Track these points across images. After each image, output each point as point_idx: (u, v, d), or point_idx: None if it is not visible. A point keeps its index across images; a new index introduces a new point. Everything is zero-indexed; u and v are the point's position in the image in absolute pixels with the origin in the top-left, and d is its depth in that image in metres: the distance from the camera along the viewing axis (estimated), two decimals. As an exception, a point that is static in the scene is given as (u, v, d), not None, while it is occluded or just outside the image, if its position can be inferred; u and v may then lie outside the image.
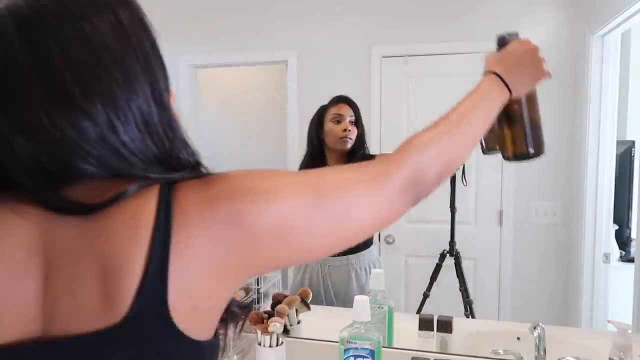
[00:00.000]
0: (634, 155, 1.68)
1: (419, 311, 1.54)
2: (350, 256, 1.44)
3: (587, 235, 1.62)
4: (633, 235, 1.69)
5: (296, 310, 1.21)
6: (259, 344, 1.09)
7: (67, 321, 0.39)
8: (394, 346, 1.16)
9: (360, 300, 0.96)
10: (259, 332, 1.09)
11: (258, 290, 1.21)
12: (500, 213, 1.75)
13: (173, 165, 0.44)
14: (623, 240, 1.71)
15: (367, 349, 0.95)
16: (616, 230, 1.69)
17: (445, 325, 1.18)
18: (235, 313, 0.49)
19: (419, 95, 1.79)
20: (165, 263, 0.39)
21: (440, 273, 1.50)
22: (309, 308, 1.22)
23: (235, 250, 0.42)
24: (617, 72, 1.61)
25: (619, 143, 1.63)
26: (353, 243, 0.52)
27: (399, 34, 1.82)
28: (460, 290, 1.51)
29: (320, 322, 1.32)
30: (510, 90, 0.70)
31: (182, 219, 0.40)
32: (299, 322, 1.25)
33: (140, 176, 0.41)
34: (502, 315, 1.71)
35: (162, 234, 0.39)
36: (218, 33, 2.02)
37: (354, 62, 1.87)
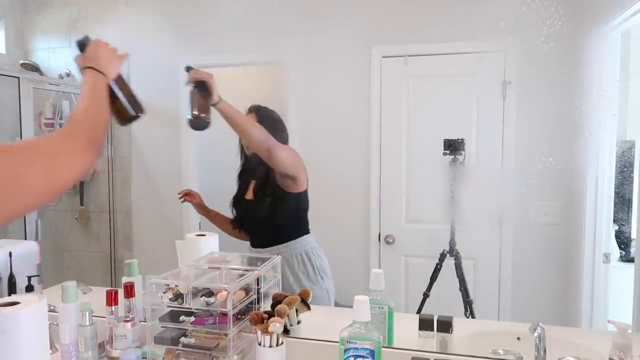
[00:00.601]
0: (634, 155, 1.68)
1: (419, 311, 1.54)
2: (279, 246, 1.56)
3: (587, 235, 1.62)
4: (633, 235, 1.69)
5: (296, 310, 1.21)
6: (259, 344, 1.09)
7: None
8: (394, 346, 1.16)
9: (360, 300, 0.96)
10: (259, 332, 1.09)
11: (258, 290, 1.21)
12: (501, 213, 1.75)
13: None
14: (623, 240, 1.71)
15: (367, 349, 0.95)
16: (616, 230, 1.69)
17: (445, 325, 1.18)
18: None
19: (419, 95, 1.80)
20: None
21: (440, 273, 1.50)
22: (309, 308, 1.22)
23: None
24: (617, 72, 1.61)
25: (619, 143, 1.64)
26: (61, 192, 0.80)
27: (399, 34, 1.82)
28: (460, 290, 1.51)
29: (320, 322, 1.32)
30: (103, 73, 1.02)
31: None
32: (299, 322, 1.25)
33: None
34: (502, 315, 1.71)
35: None
36: (217, 33, 2.02)
37: (354, 62, 1.87)
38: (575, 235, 1.66)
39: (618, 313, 1.58)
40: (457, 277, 1.57)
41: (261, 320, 1.09)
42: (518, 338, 1.15)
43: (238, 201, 1.72)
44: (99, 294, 1.35)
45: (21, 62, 2.14)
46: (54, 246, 2.17)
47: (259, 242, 1.67)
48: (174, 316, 1.16)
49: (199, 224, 1.95)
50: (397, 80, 1.83)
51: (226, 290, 1.10)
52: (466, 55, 1.68)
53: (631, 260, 1.58)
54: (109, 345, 1.27)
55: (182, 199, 1.80)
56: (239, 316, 1.14)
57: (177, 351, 1.14)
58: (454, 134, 1.61)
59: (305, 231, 1.65)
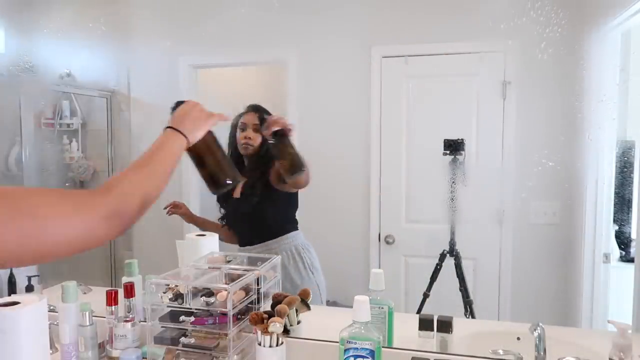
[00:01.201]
0: (634, 156, 1.68)
1: (419, 311, 1.54)
2: (268, 242, 1.59)
3: (587, 235, 1.62)
4: (633, 235, 1.69)
5: (296, 310, 1.21)
6: (259, 344, 1.09)
7: None
8: (394, 346, 1.16)
9: (360, 300, 0.96)
10: (259, 332, 1.09)
11: (258, 290, 1.21)
12: (500, 213, 1.75)
13: None
14: (623, 241, 1.71)
15: (367, 349, 0.95)
16: (616, 231, 1.69)
17: (445, 325, 1.18)
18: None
19: (419, 95, 1.80)
20: None
21: (440, 273, 1.50)
22: (309, 308, 1.22)
23: None
24: (617, 74, 1.61)
25: (619, 143, 1.63)
26: (50, 258, 0.62)
27: (399, 34, 1.82)
28: (460, 290, 1.51)
29: (320, 322, 1.32)
30: (185, 136, 0.93)
31: None
32: (299, 322, 1.25)
33: None
34: (502, 315, 1.71)
35: None
36: (218, 33, 2.02)
37: (354, 62, 1.87)
38: (575, 235, 1.66)
39: (618, 313, 1.58)
40: (457, 277, 1.57)
41: (261, 320, 1.09)
42: (518, 338, 1.15)
43: (225, 199, 1.72)
44: (99, 294, 1.35)
45: (21, 62, 2.14)
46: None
47: (247, 240, 1.68)
48: (174, 316, 1.16)
49: (199, 224, 1.95)
50: (397, 80, 1.83)
51: (226, 290, 1.10)
52: (466, 55, 1.68)
53: (631, 261, 1.58)
54: (109, 345, 1.27)
55: (169, 212, 1.80)
56: (239, 316, 1.14)
57: (177, 351, 1.14)
58: (454, 134, 1.61)
59: (294, 227, 1.66)
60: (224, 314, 1.10)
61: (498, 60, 1.64)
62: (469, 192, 1.74)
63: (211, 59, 2.08)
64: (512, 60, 1.64)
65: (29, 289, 1.55)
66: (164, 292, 1.14)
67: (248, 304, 1.19)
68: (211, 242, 1.43)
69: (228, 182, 1.05)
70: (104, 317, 1.28)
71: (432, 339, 1.17)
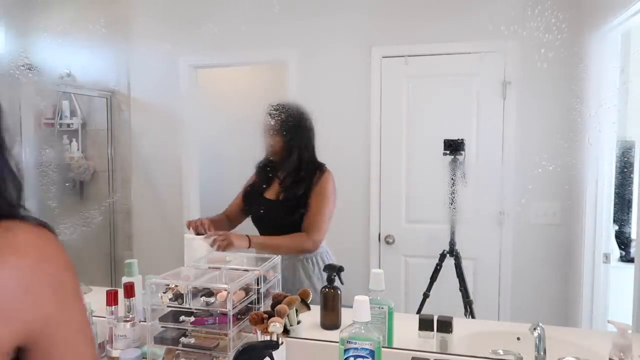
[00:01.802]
0: (634, 156, 1.67)
1: (419, 311, 1.54)
2: None
3: (587, 235, 1.62)
4: (633, 235, 1.69)
5: (296, 310, 1.21)
6: (259, 344, 1.09)
7: None
8: (394, 346, 1.16)
9: (360, 300, 0.96)
10: (259, 332, 1.09)
11: (258, 290, 1.21)
12: (501, 213, 1.75)
13: None
14: (623, 241, 1.71)
15: (367, 349, 0.95)
16: (616, 231, 1.69)
17: (445, 325, 1.18)
18: None
19: (419, 95, 1.79)
20: None
21: (440, 273, 1.50)
22: (309, 308, 1.22)
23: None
24: (617, 72, 1.61)
25: (619, 143, 1.63)
26: None
27: (399, 34, 1.82)
28: (460, 290, 1.51)
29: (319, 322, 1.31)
30: None
31: None
32: (299, 322, 1.25)
33: None
34: (502, 315, 1.71)
35: None
36: (217, 33, 2.02)
37: (354, 62, 1.87)
38: (575, 236, 1.66)
39: (618, 313, 1.58)
40: (457, 277, 1.57)
41: (261, 320, 1.09)
42: (518, 338, 1.15)
43: (256, 196, 1.71)
44: (99, 294, 1.35)
45: (21, 62, 2.14)
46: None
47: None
48: (174, 316, 1.16)
49: (199, 224, 1.95)
50: (397, 80, 1.83)
51: (226, 290, 1.10)
52: (466, 55, 1.68)
53: (631, 261, 1.58)
54: (109, 345, 1.27)
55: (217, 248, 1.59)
56: (239, 316, 1.14)
57: (177, 351, 1.14)
58: (454, 134, 1.61)
59: None
60: (224, 314, 1.10)
61: (498, 60, 1.64)
62: (469, 192, 1.74)
63: (211, 59, 2.08)
64: (512, 60, 1.64)
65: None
66: (164, 292, 1.14)
67: (248, 304, 1.19)
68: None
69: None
70: (104, 317, 1.28)
71: (432, 339, 1.17)
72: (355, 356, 0.95)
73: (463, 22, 1.75)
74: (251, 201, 1.71)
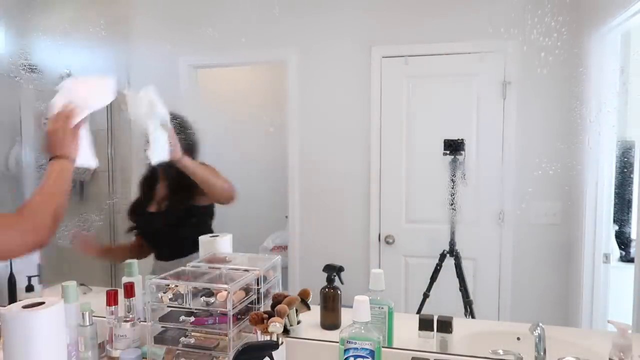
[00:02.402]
0: (634, 156, 1.67)
1: (419, 311, 1.54)
2: (182, 259, 1.48)
3: (587, 235, 1.62)
4: (633, 235, 1.69)
5: (296, 310, 1.21)
6: (259, 344, 1.09)
7: None
8: (394, 346, 1.16)
9: (360, 300, 0.96)
10: (259, 332, 1.09)
11: (258, 290, 1.21)
12: (500, 213, 1.75)
13: None
14: (623, 241, 1.71)
15: (367, 349, 0.95)
16: (616, 231, 1.69)
17: (445, 325, 1.18)
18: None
19: (419, 95, 1.80)
20: None
21: (440, 273, 1.50)
22: (309, 308, 1.22)
23: None
24: (617, 72, 1.61)
25: (619, 143, 1.63)
26: None
27: (399, 34, 1.82)
28: (460, 290, 1.51)
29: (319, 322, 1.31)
30: (64, 157, 1.18)
31: None
32: (299, 322, 1.25)
33: None
34: (502, 316, 1.71)
35: None
36: (218, 33, 2.02)
37: (354, 62, 1.87)
38: (575, 236, 1.66)
39: (618, 313, 1.58)
40: (457, 277, 1.57)
41: (261, 320, 1.09)
42: (518, 338, 1.15)
43: (140, 212, 1.70)
44: (99, 294, 1.35)
45: (21, 62, 2.14)
46: (54, 246, 2.17)
47: (163, 254, 1.66)
48: (174, 316, 1.16)
49: (199, 224, 1.95)
50: (397, 80, 1.83)
51: (226, 290, 1.10)
52: (466, 55, 1.68)
53: (631, 261, 1.58)
54: (109, 345, 1.27)
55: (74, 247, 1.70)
56: (239, 316, 1.14)
57: (177, 351, 1.14)
58: (454, 134, 1.61)
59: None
60: (224, 314, 1.10)
61: (498, 60, 1.64)
62: (469, 192, 1.74)
63: (211, 59, 2.08)
64: (512, 60, 1.64)
65: (29, 289, 1.55)
66: (164, 292, 1.14)
67: (248, 304, 1.19)
68: (227, 242, 1.44)
69: None
70: (104, 317, 1.28)
71: (432, 339, 1.17)
72: (355, 356, 0.95)
73: (463, 22, 1.75)
74: (137, 218, 1.71)
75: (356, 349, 0.94)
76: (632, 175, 1.67)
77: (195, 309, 1.13)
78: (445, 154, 1.60)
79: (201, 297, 1.13)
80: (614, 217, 1.65)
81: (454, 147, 1.59)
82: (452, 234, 1.59)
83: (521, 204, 1.75)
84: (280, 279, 1.35)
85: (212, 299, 1.12)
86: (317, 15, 1.91)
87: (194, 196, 1.58)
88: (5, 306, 1.10)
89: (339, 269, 1.36)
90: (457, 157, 1.59)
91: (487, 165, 1.68)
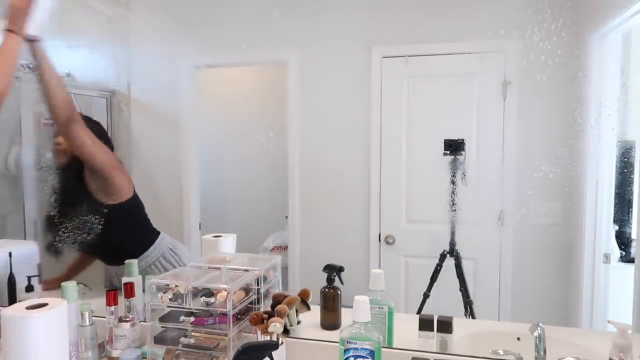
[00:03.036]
0: (634, 156, 1.67)
1: (419, 311, 1.54)
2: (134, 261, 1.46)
3: (587, 235, 1.62)
4: (633, 235, 1.69)
5: (296, 310, 1.21)
6: (259, 344, 1.09)
7: None
8: (394, 346, 1.16)
9: (360, 300, 0.96)
10: (259, 332, 1.09)
11: (258, 290, 1.21)
12: (501, 213, 1.75)
13: None
14: (623, 241, 1.71)
15: (367, 349, 0.95)
16: (616, 231, 1.69)
17: (445, 325, 1.18)
18: None
19: (419, 95, 1.80)
20: None
21: (440, 273, 1.50)
22: (309, 308, 1.22)
23: None
24: (617, 73, 1.60)
25: (619, 143, 1.63)
26: None
27: (399, 34, 1.82)
28: (460, 290, 1.51)
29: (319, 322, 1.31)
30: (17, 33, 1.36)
31: None
32: (299, 322, 1.25)
33: None
34: (502, 316, 1.71)
35: None
36: (218, 33, 2.02)
37: (354, 62, 1.87)
38: (576, 236, 1.66)
39: (618, 313, 1.58)
40: (457, 277, 1.57)
41: (261, 321, 1.09)
42: (518, 338, 1.15)
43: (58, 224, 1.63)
44: (99, 294, 1.35)
45: (21, 61, 2.14)
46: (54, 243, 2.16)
47: (113, 262, 1.62)
48: (174, 316, 1.16)
49: (199, 224, 1.95)
50: (397, 80, 1.83)
51: (226, 290, 1.10)
52: (466, 55, 1.68)
53: (631, 261, 1.58)
54: (109, 345, 1.27)
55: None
56: (239, 316, 1.14)
57: (177, 351, 1.14)
58: (454, 134, 1.61)
59: (154, 235, 1.58)
60: (224, 314, 1.10)
61: (498, 60, 1.64)
62: (469, 193, 1.74)
63: (211, 59, 2.08)
64: (512, 61, 1.64)
65: (29, 289, 1.55)
66: (164, 292, 1.14)
67: (248, 304, 1.19)
68: (230, 242, 1.44)
69: None
70: (104, 317, 1.28)
71: (432, 339, 1.17)
72: (355, 356, 0.95)
73: (463, 22, 1.75)
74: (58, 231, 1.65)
75: (356, 349, 0.94)
76: (632, 176, 1.67)
77: (195, 309, 1.13)
78: (445, 154, 1.60)
79: (201, 297, 1.13)
80: (614, 217, 1.65)
81: (454, 147, 1.59)
82: (452, 234, 1.59)
83: (521, 203, 1.75)
84: (280, 279, 1.35)
85: (212, 299, 1.12)
86: (317, 15, 1.91)
87: (96, 195, 1.49)
88: (5, 306, 1.10)
89: (339, 269, 1.36)
90: (457, 157, 1.59)
91: (487, 165, 1.68)
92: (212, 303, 1.12)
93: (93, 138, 1.46)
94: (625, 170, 1.66)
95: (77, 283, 1.30)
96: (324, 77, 1.88)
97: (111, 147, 1.61)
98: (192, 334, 1.14)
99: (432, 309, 1.47)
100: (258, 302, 1.21)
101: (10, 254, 1.51)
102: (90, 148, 1.43)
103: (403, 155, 1.75)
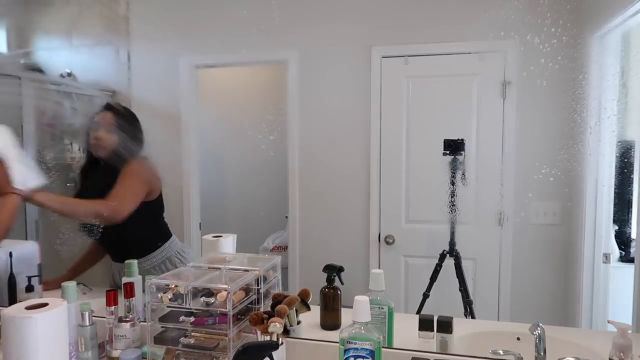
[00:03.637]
0: (634, 156, 1.67)
1: (419, 311, 1.54)
2: (139, 259, 1.48)
3: (587, 235, 1.62)
4: (633, 235, 1.69)
5: (296, 311, 1.22)
6: (259, 344, 1.09)
7: None
8: (394, 346, 1.16)
9: (360, 300, 0.96)
10: (259, 332, 1.09)
11: (258, 290, 1.21)
12: (500, 213, 1.75)
13: None
14: (623, 241, 1.71)
15: (367, 349, 0.95)
16: (616, 231, 1.69)
17: (445, 325, 1.18)
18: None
19: (419, 95, 1.80)
20: None
21: (440, 273, 1.50)
22: (309, 308, 1.22)
23: None
24: (617, 73, 1.61)
25: (618, 143, 1.63)
26: None
27: (399, 34, 1.82)
28: (460, 290, 1.51)
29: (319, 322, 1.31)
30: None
31: None
32: (299, 322, 1.25)
33: None
34: (502, 316, 1.71)
35: None
36: (218, 33, 2.02)
37: (354, 62, 1.87)
38: (575, 236, 1.66)
39: (618, 313, 1.58)
40: (457, 277, 1.57)
41: (261, 321, 1.09)
42: (518, 338, 1.15)
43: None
44: (99, 294, 1.35)
45: (22, 61, 2.14)
46: (55, 246, 2.17)
47: (118, 257, 1.62)
48: (174, 316, 1.16)
49: (199, 224, 1.95)
50: (397, 80, 1.83)
51: (226, 290, 1.10)
52: (466, 55, 1.68)
53: (631, 261, 1.58)
54: (109, 345, 1.27)
55: None
56: (238, 316, 1.14)
57: (177, 351, 1.14)
58: (454, 134, 1.61)
59: (166, 237, 1.61)
60: (224, 314, 1.10)
61: (498, 60, 1.64)
62: (469, 193, 1.74)
63: (211, 59, 2.08)
64: (512, 60, 1.64)
65: (29, 289, 1.55)
66: (164, 292, 1.14)
67: (248, 304, 1.19)
68: (230, 242, 1.44)
69: None
70: (104, 317, 1.28)
71: (432, 339, 1.17)
72: (355, 356, 0.95)
73: (463, 22, 1.75)
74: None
75: (356, 349, 0.94)
76: (632, 176, 1.67)
77: (195, 309, 1.13)
78: (445, 154, 1.60)
79: (201, 297, 1.13)
80: (614, 217, 1.65)
81: (454, 147, 1.59)
82: (452, 234, 1.59)
83: (521, 203, 1.75)
84: (280, 279, 1.35)
85: (212, 299, 1.12)
86: (317, 16, 1.91)
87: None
88: (5, 306, 1.10)
89: (339, 269, 1.36)
90: (457, 157, 1.59)
91: (487, 165, 1.68)
92: (212, 303, 1.12)
93: (132, 196, 1.52)
94: (625, 170, 1.66)
95: (77, 283, 1.30)
96: (324, 77, 1.88)
97: (141, 140, 1.64)
98: (192, 334, 1.14)
99: (432, 309, 1.47)
100: (258, 302, 1.21)
101: (10, 254, 1.51)
102: (134, 206, 1.49)
103: (403, 156, 1.75)
